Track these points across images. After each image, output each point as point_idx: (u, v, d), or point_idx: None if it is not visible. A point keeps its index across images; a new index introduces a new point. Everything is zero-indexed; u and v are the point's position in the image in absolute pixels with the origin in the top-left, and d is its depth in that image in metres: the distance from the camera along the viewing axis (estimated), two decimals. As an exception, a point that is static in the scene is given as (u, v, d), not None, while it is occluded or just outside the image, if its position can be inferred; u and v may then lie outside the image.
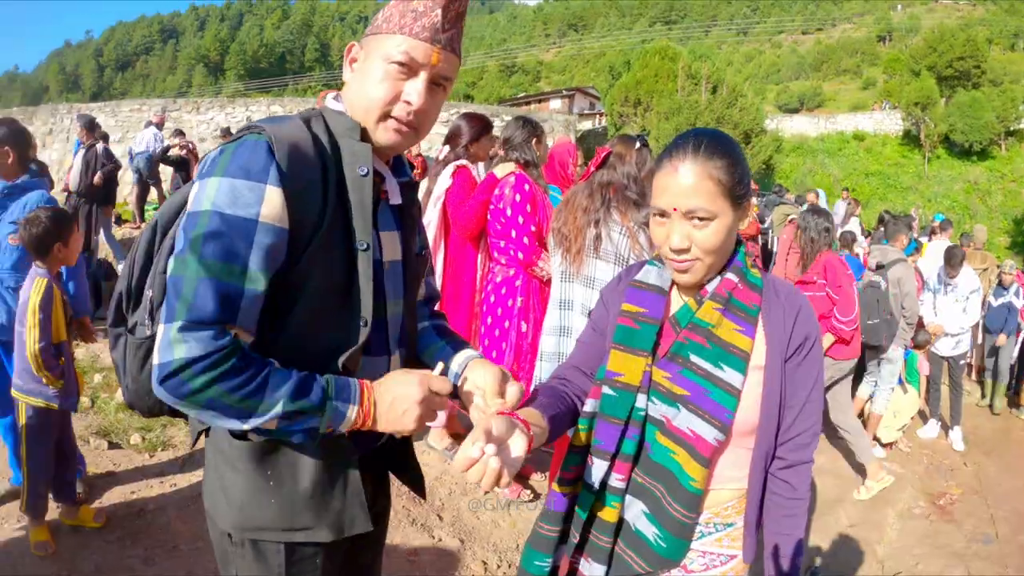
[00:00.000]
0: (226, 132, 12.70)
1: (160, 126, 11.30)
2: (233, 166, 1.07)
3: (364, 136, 1.21)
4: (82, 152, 7.86)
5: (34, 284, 2.79)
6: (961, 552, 3.93)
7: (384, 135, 1.22)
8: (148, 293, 1.20)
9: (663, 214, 1.28)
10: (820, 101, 54.70)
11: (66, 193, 7.93)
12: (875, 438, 5.39)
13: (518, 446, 1.10)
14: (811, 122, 38.05)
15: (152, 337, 1.16)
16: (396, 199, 1.31)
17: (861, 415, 5.62)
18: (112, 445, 3.87)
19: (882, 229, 8.89)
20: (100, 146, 8.04)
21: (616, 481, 1.33)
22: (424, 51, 1.18)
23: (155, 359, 1.03)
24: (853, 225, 10.51)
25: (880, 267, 5.47)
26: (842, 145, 34.95)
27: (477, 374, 1.29)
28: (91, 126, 8.12)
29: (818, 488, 4.47)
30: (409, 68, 1.18)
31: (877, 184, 31.46)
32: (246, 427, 1.06)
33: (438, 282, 3.74)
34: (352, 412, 1.12)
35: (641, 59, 30.69)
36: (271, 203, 1.06)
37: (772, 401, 1.29)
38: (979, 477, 5.26)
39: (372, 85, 1.18)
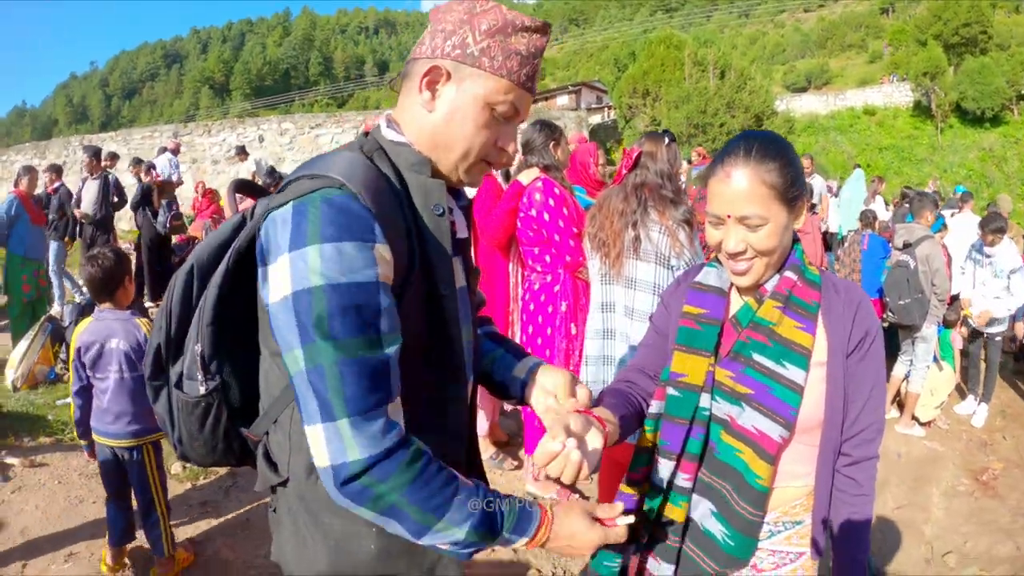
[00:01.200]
0: (241, 151, 12.76)
1: (175, 152, 11.44)
2: (330, 229, 0.95)
3: (434, 171, 1.13)
4: (94, 181, 8.01)
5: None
6: (1008, 527, 3.90)
7: (474, 177, 1.18)
8: (196, 348, 1.12)
9: (718, 219, 1.31)
10: (828, 78, 54.12)
11: (80, 223, 8.05)
12: (913, 417, 5.36)
13: (595, 441, 1.12)
14: (820, 100, 37.51)
15: (208, 395, 1.13)
16: (463, 232, 1.25)
17: (897, 395, 5.59)
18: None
19: (906, 206, 8.78)
20: (112, 176, 8.28)
21: (683, 481, 1.36)
22: (527, 103, 1.16)
23: (322, 460, 0.95)
24: (878, 204, 10.34)
25: (907, 245, 5.43)
26: (853, 121, 34.43)
27: (547, 378, 1.29)
28: (98, 156, 8.33)
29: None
30: (510, 118, 1.15)
31: (891, 158, 31.00)
32: (422, 541, 0.99)
33: None
34: (521, 543, 1.05)
35: (646, 49, 30.59)
36: (383, 261, 0.98)
37: (835, 397, 1.30)
38: (1019, 450, 5.20)
39: (472, 131, 1.11)
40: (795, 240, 1.38)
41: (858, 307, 1.33)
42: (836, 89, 43.19)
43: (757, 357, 1.32)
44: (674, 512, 1.38)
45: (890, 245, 6.90)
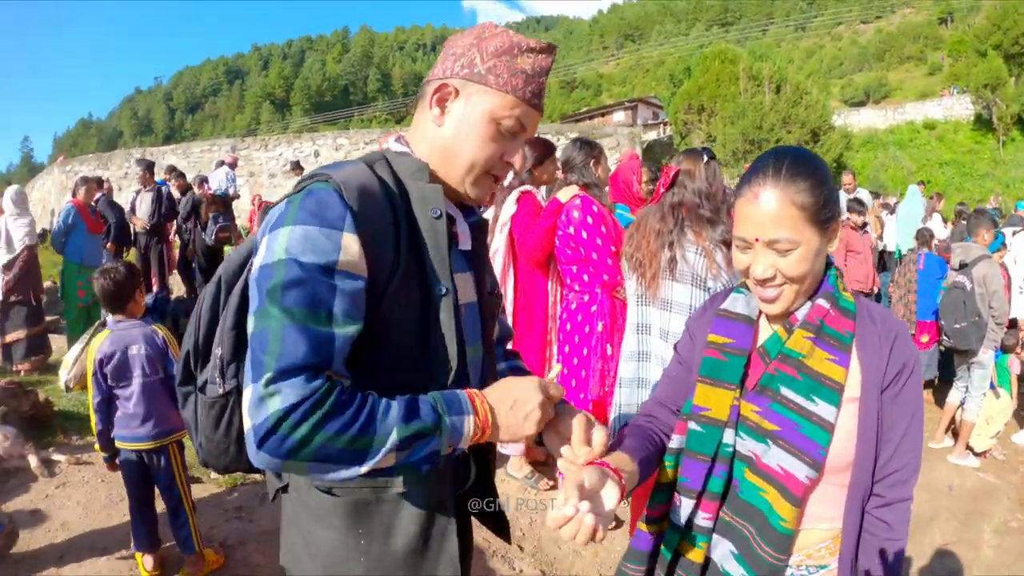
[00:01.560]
0: (296, 166, 13.07)
1: (233, 166, 11.79)
2: (304, 214, 1.02)
3: (432, 177, 1.18)
4: (147, 193, 8.35)
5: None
6: (1065, 569, 3.66)
7: (480, 191, 1.22)
8: (217, 351, 1.17)
9: (746, 243, 1.23)
10: (886, 92, 53.00)
11: (135, 233, 8.45)
12: (967, 447, 5.10)
13: (611, 497, 1.08)
14: (879, 114, 36.60)
15: (225, 396, 1.16)
16: (466, 244, 1.27)
17: (952, 423, 5.33)
18: (193, 480, 4.00)
19: (962, 223, 8.42)
20: (165, 188, 8.61)
21: (703, 520, 1.29)
22: (533, 119, 1.21)
23: (246, 423, 0.95)
24: (936, 222, 9.91)
25: (964, 266, 5.20)
26: (913, 136, 33.45)
27: (562, 422, 1.23)
28: (151, 169, 8.68)
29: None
30: (516, 133, 1.20)
31: (952, 173, 29.94)
32: (363, 470, 0.98)
33: (509, 309, 3.72)
34: (469, 423, 1.06)
35: (701, 64, 30.38)
36: (349, 251, 1.02)
37: (868, 435, 1.21)
38: (1083, 485, 4.88)
39: (478, 144, 1.17)
40: (829, 264, 1.30)
41: (895, 338, 1.23)
42: (895, 103, 42.18)
43: (785, 391, 1.23)
44: (692, 553, 1.30)
45: (948, 265, 6.63)
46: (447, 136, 1.18)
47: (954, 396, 5.30)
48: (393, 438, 0.98)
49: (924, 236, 6.86)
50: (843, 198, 8.28)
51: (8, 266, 6.32)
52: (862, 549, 1.24)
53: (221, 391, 1.16)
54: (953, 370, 5.40)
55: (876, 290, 7.42)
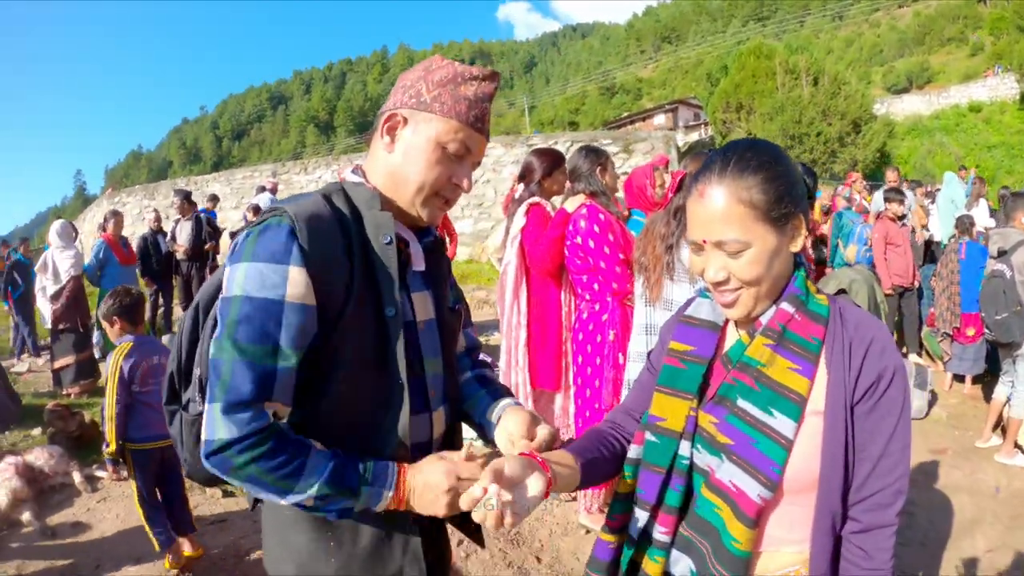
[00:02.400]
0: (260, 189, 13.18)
1: (274, 191, 12.09)
2: (258, 249, 1.12)
3: (384, 204, 1.25)
4: (186, 222, 8.68)
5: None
6: (1121, 576, 3.45)
7: (430, 213, 1.29)
8: (196, 371, 1.27)
9: (696, 245, 1.17)
10: (929, 76, 51.47)
11: (178, 259, 8.74)
12: (1016, 445, 4.87)
13: (535, 487, 1.08)
14: (923, 100, 35.48)
15: (202, 414, 1.23)
16: (419, 266, 1.33)
17: (999, 421, 5.10)
18: (226, 494, 4.17)
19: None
20: (204, 215, 8.96)
21: (660, 534, 1.23)
22: (477, 142, 1.28)
23: (202, 435, 1.11)
24: (981, 208, 9.50)
25: (1002, 253, 4.99)
26: (959, 120, 32.29)
27: (509, 420, 1.32)
28: (188, 198, 8.99)
29: (954, 508, 4.09)
30: (462, 156, 1.26)
31: (1001, 156, 28.72)
32: (283, 502, 1.13)
33: (524, 321, 3.73)
34: (387, 496, 1.16)
35: (737, 62, 29.97)
36: (295, 283, 1.11)
37: (835, 453, 1.11)
38: None
39: (424, 168, 1.24)
40: (797, 265, 1.20)
41: (869, 345, 1.12)
42: (938, 87, 40.90)
43: (742, 403, 1.15)
44: (650, 567, 1.24)
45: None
46: (397, 162, 1.26)
47: (1000, 391, 5.05)
48: (312, 492, 1.12)
49: (964, 223, 6.61)
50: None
51: (56, 296, 6.64)
52: None
53: (199, 409, 1.26)
54: (999, 364, 5.17)
55: (917, 284, 7.15)
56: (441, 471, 1.17)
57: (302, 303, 1.12)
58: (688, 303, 1.37)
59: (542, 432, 1.25)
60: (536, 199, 3.77)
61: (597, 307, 3.40)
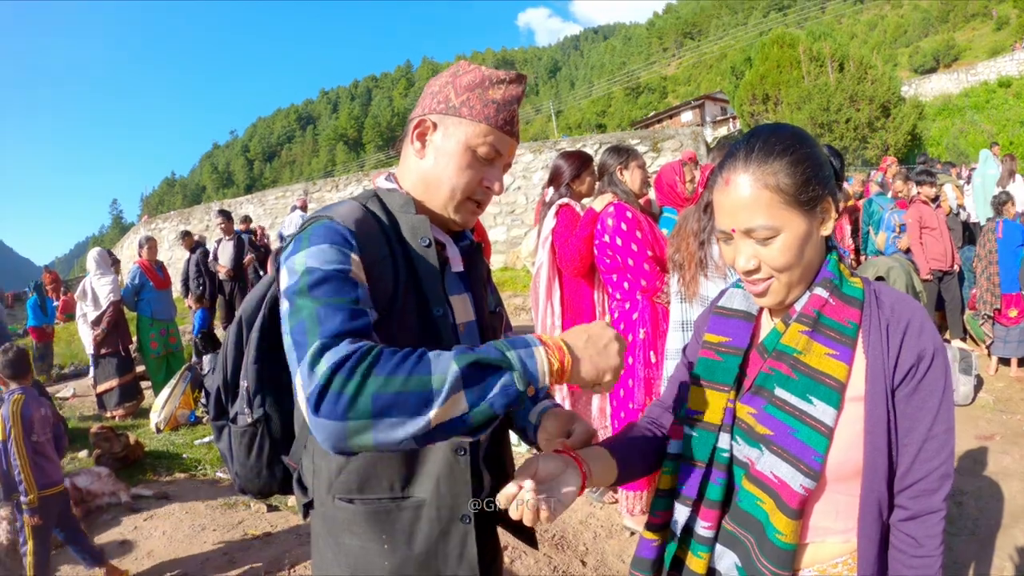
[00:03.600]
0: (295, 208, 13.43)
1: (304, 209, 12.27)
2: (315, 238, 1.08)
3: (418, 209, 1.25)
4: (228, 242, 8.85)
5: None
6: None
7: (462, 216, 1.29)
8: (243, 384, 1.28)
9: (725, 235, 1.16)
10: (956, 54, 50.48)
11: (221, 280, 8.93)
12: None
13: (570, 482, 1.07)
14: (951, 79, 34.53)
15: (254, 423, 1.27)
16: (458, 267, 1.33)
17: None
18: (271, 508, 4.22)
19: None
20: (246, 236, 9.12)
21: (703, 529, 1.21)
22: (507, 145, 1.28)
23: (300, 399, 0.92)
24: (1017, 185, 9.22)
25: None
26: (988, 96, 31.28)
27: (548, 420, 1.29)
28: (229, 218, 9.16)
29: (1004, 495, 3.96)
30: (492, 159, 1.27)
31: (1035, 132, 27.69)
32: (432, 415, 0.88)
33: (558, 322, 3.73)
34: (541, 355, 0.97)
35: (760, 53, 29.57)
36: (356, 264, 1.08)
37: (877, 438, 1.08)
38: None
39: (456, 171, 1.24)
40: (829, 248, 1.19)
41: (907, 326, 1.09)
42: (966, 64, 39.90)
43: (780, 392, 1.13)
44: (694, 563, 1.21)
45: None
46: (428, 167, 1.26)
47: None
48: (454, 369, 0.90)
49: (1000, 201, 6.42)
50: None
51: (96, 322, 6.81)
52: (891, 566, 1.12)
53: (250, 420, 1.28)
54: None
55: (958, 268, 6.94)
56: (602, 323, 1.07)
57: (364, 283, 1.08)
58: (721, 294, 1.35)
59: (579, 430, 1.24)
60: (565, 200, 3.77)
61: (627, 306, 3.38)
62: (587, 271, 3.63)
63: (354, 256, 1.09)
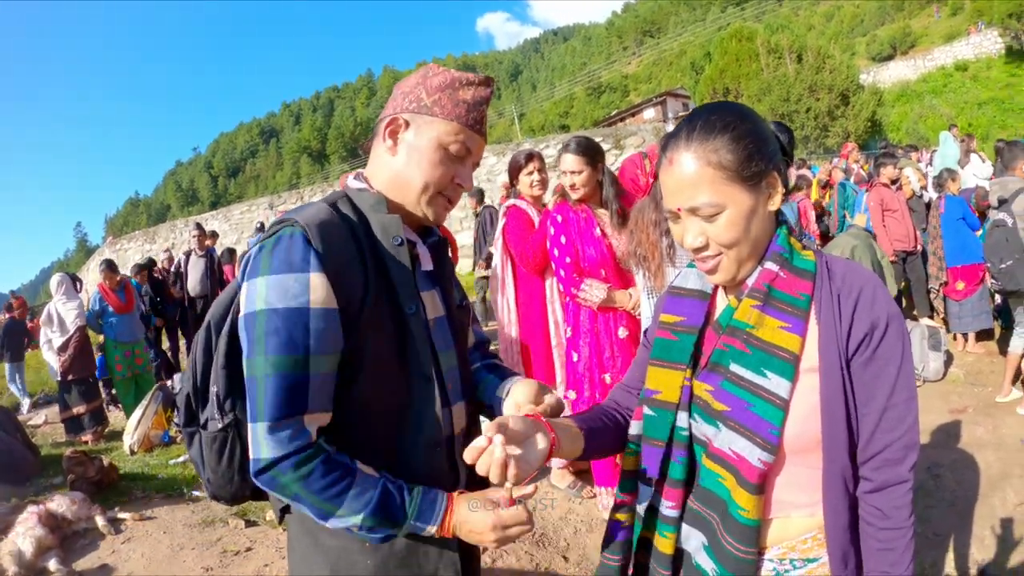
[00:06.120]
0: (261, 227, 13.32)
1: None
2: (275, 262, 1.13)
3: (390, 207, 1.28)
4: (200, 259, 8.63)
5: None
6: None
7: (435, 211, 1.32)
8: (213, 389, 1.28)
9: (673, 214, 1.16)
10: (912, 41, 51.28)
11: (190, 299, 8.70)
12: (1035, 395, 4.82)
13: (540, 444, 1.10)
14: (908, 65, 35.53)
15: (225, 429, 1.27)
16: (428, 265, 1.36)
17: (1018, 374, 5.05)
18: (249, 524, 4.15)
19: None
20: (215, 253, 8.94)
21: (667, 509, 1.20)
22: (476, 142, 1.32)
23: (250, 454, 1.14)
24: (976, 164, 9.46)
25: (1003, 202, 4.96)
26: (946, 81, 32.26)
27: (515, 390, 1.33)
28: (204, 232, 8.99)
29: (980, 465, 4.04)
30: (463, 157, 1.30)
31: (994, 112, 28.63)
32: (327, 525, 1.15)
33: (514, 318, 3.88)
34: (430, 532, 1.17)
35: (719, 48, 30.02)
36: (317, 288, 1.12)
37: (834, 409, 1.07)
38: None
39: (428, 168, 1.27)
40: (780, 223, 1.19)
41: (859, 295, 1.09)
42: (923, 50, 40.97)
43: (735, 368, 1.13)
44: (661, 543, 1.22)
45: (968, 204, 6.38)
46: (400, 164, 1.29)
47: (1016, 344, 5.00)
48: (355, 521, 1.13)
49: (941, 178, 6.61)
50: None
51: (63, 347, 6.68)
52: (862, 540, 1.12)
53: (221, 425, 1.28)
54: (1012, 316, 5.12)
55: (920, 248, 7.10)
56: (487, 523, 1.15)
57: (326, 307, 1.13)
58: (677, 276, 1.36)
59: (549, 399, 1.28)
60: (511, 201, 3.94)
61: (567, 300, 3.51)
62: (542, 269, 3.73)
63: (314, 278, 1.12)
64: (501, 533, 1.15)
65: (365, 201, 1.27)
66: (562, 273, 3.35)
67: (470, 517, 1.17)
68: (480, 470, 1.04)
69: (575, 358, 3.40)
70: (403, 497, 1.16)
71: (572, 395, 3.39)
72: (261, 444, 1.11)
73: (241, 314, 1.16)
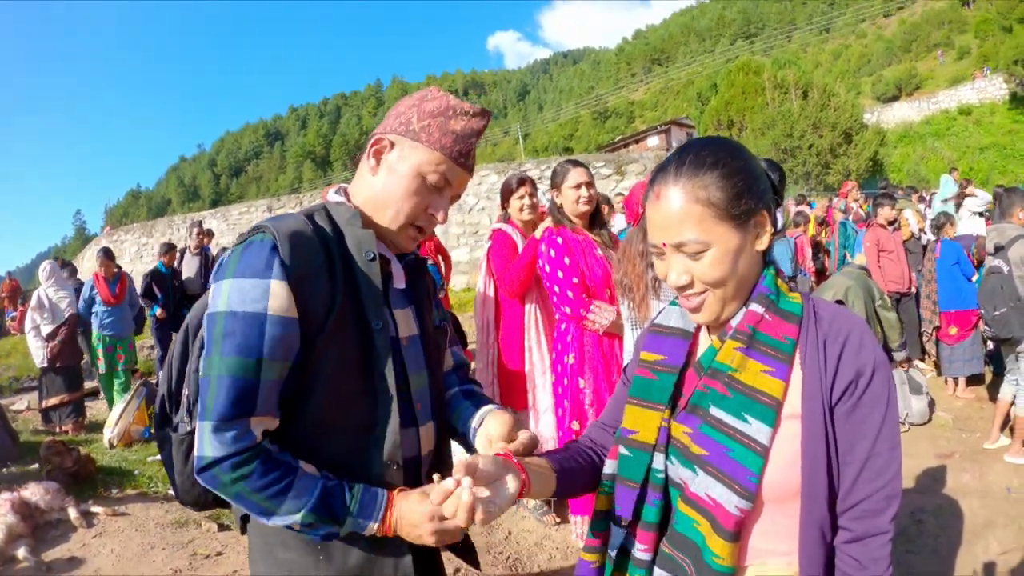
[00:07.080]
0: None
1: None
2: (241, 266, 1.14)
3: (365, 223, 1.27)
4: (195, 257, 8.51)
5: None
6: None
7: (406, 241, 1.32)
8: (185, 391, 1.30)
9: (657, 250, 1.13)
10: (918, 83, 51.99)
11: (189, 295, 8.55)
12: (1024, 444, 4.79)
13: (510, 486, 1.07)
14: (913, 107, 35.92)
15: (191, 432, 1.26)
16: (400, 283, 1.36)
17: (1007, 421, 5.02)
18: (222, 527, 4.10)
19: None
20: (209, 251, 8.87)
21: (640, 552, 1.16)
22: (458, 176, 1.29)
23: (194, 451, 1.13)
24: (970, 201, 9.45)
25: (999, 249, 4.97)
26: (949, 124, 32.60)
27: (489, 423, 1.31)
28: (201, 227, 8.91)
29: (964, 512, 4.01)
30: (441, 188, 1.28)
31: (994, 157, 28.95)
32: (269, 523, 1.14)
33: (493, 340, 3.84)
34: (372, 528, 1.17)
35: (726, 79, 30.33)
36: (276, 296, 1.12)
37: (816, 457, 1.04)
38: None
39: (404, 196, 1.26)
40: (766, 264, 1.16)
41: (846, 341, 1.06)
42: (927, 93, 41.46)
43: (715, 411, 1.09)
44: None
45: (968, 252, 6.41)
46: (379, 185, 1.28)
47: (1006, 391, 4.97)
48: (296, 518, 1.13)
49: (939, 222, 6.63)
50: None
51: (52, 335, 6.63)
52: None
53: (189, 428, 1.28)
54: (1004, 363, 5.12)
55: (915, 289, 7.11)
56: (423, 516, 1.15)
57: (283, 316, 1.13)
58: (659, 312, 1.32)
59: (522, 436, 1.24)
60: (498, 225, 3.92)
61: (563, 327, 3.36)
62: (522, 295, 3.67)
63: (275, 285, 1.13)
64: (439, 524, 1.14)
65: (342, 215, 1.26)
66: (569, 295, 3.20)
67: (406, 510, 1.17)
68: (447, 512, 1.03)
69: (581, 384, 3.24)
70: (344, 494, 1.16)
71: (576, 425, 3.24)
72: (205, 443, 1.11)
73: (206, 313, 1.17)
